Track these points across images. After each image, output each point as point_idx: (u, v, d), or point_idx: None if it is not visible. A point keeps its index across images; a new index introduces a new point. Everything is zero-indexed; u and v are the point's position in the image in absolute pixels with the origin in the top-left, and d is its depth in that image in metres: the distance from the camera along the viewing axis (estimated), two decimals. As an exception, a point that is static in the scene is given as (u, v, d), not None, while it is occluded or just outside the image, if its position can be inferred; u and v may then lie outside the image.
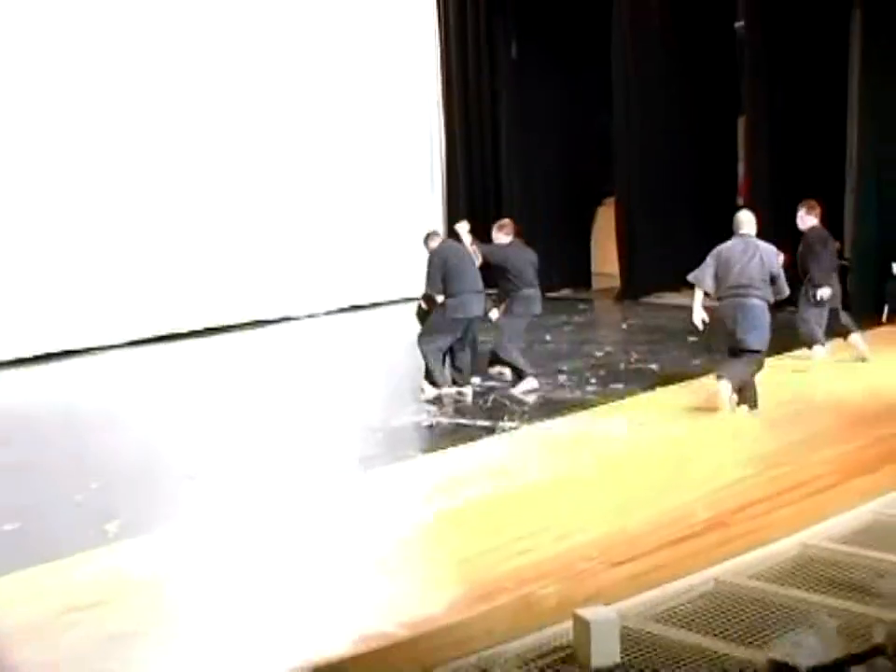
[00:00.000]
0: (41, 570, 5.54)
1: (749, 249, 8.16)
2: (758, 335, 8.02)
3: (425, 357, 9.15)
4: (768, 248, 8.26)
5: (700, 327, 8.28)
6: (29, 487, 7.21)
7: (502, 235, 9.71)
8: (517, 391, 9.27)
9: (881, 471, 6.68)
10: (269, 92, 13.30)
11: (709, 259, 8.22)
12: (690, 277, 8.37)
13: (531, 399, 9.13)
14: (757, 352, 8.06)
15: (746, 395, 8.13)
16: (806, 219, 9.72)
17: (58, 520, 6.47)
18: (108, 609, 5.09)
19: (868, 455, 6.94)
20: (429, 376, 9.17)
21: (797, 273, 9.53)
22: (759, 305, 8.05)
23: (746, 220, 8.36)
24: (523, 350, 9.62)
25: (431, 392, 9.16)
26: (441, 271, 9.07)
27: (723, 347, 8.34)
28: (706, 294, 8.28)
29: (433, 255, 9.22)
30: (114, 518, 6.29)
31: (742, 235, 8.26)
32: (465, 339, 9.27)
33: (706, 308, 8.27)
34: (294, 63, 13.51)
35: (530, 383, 9.33)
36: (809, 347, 9.67)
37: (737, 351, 8.08)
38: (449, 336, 9.16)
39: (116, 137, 12.00)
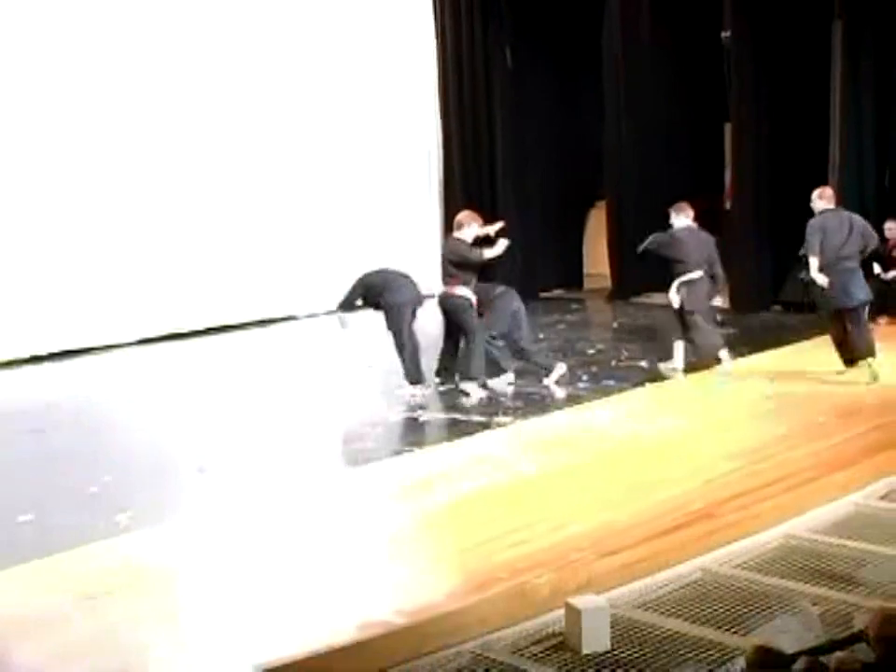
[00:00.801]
0: (54, 560, 5.65)
1: (844, 221, 9.12)
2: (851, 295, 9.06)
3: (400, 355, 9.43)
4: (858, 218, 9.27)
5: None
6: (42, 480, 7.32)
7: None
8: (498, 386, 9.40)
9: (861, 464, 6.83)
10: (275, 94, 13.36)
11: (815, 232, 9.05)
12: (802, 252, 9.14)
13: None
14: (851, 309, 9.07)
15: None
16: (676, 221, 9.80)
17: (71, 512, 6.56)
18: (120, 598, 5.22)
19: (849, 449, 7.09)
20: (409, 375, 9.39)
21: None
22: (857, 270, 9.12)
23: (832, 195, 9.45)
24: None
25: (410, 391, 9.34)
26: (360, 293, 9.55)
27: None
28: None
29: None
30: (125, 510, 6.41)
31: (834, 209, 9.25)
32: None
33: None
34: (296, 70, 13.57)
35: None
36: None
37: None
38: (403, 326, 9.38)
39: (124, 139, 12.08)
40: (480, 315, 9.38)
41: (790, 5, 12.18)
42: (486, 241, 9.60)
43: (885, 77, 11.61)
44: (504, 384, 9.58)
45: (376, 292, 9.51)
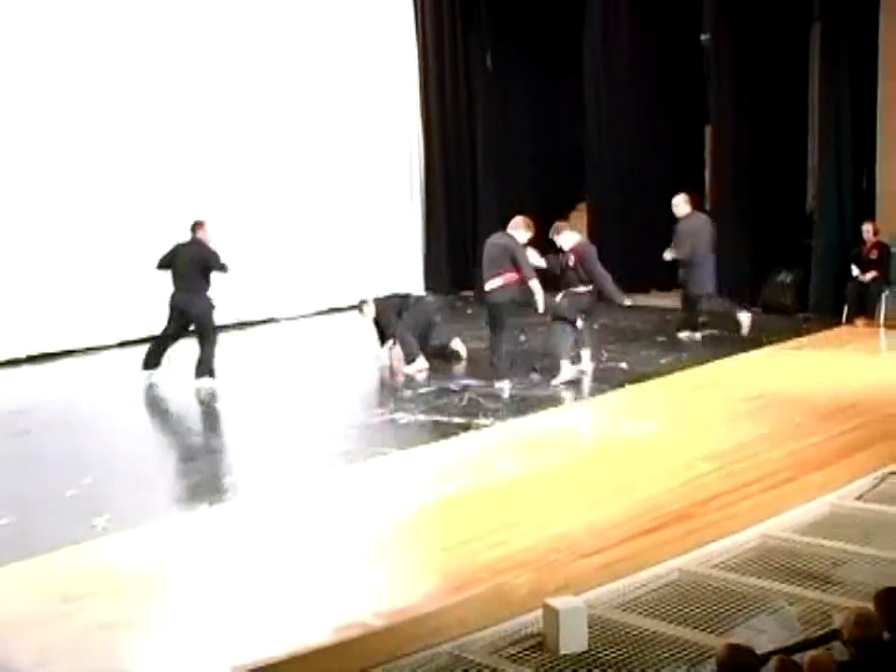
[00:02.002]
0: (33, 563, 5.65)
1: (706, 222, 11.20)
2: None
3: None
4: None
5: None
6: (22, 483, 7.31)
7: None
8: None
9: (839, 465, 6.88)
10: (255, 101, 13.33)
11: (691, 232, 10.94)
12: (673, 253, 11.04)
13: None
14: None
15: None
16: (566, 236, 9.92)
17: (49, 515, 6.57)
18: (99, 600, 5.21)
19: (826, 450, 7.14)
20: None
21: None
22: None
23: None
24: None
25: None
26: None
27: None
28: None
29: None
30: (104, 513, 6.41)
31: (695, 212, 11.22)
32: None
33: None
34: (279, 76, 13.55)
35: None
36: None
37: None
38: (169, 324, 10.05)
39: (107, 144, 12.04)
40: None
41: (769, 7, 12.26)
42: None
43: (862, 80, 11.67)
44: (415, 370, 10.19)
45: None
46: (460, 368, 10.45)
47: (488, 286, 9.51)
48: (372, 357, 10.90)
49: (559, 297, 9.87)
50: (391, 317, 10.69)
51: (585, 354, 9.96)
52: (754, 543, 5.98)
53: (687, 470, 6.78)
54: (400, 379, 10.15)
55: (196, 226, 10.17)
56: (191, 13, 12.87)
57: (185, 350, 11.85)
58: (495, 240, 9.68)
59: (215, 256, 10.05)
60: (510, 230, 9.64)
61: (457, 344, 10.95)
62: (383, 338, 10.91)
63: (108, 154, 12.12)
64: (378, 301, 10.94)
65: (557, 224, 10.15)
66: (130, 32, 12.23)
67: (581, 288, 9.84)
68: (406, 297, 11.11)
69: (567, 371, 9.55)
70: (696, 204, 11.39)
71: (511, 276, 9.42)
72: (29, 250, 11.57)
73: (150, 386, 9.99)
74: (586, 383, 9.63)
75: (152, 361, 10.11)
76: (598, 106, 13.98)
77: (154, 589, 5.38)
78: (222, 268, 10.02)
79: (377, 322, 10.91)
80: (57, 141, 11.76)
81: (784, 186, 12.57)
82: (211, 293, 10.07)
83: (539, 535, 5.81)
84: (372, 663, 4.70)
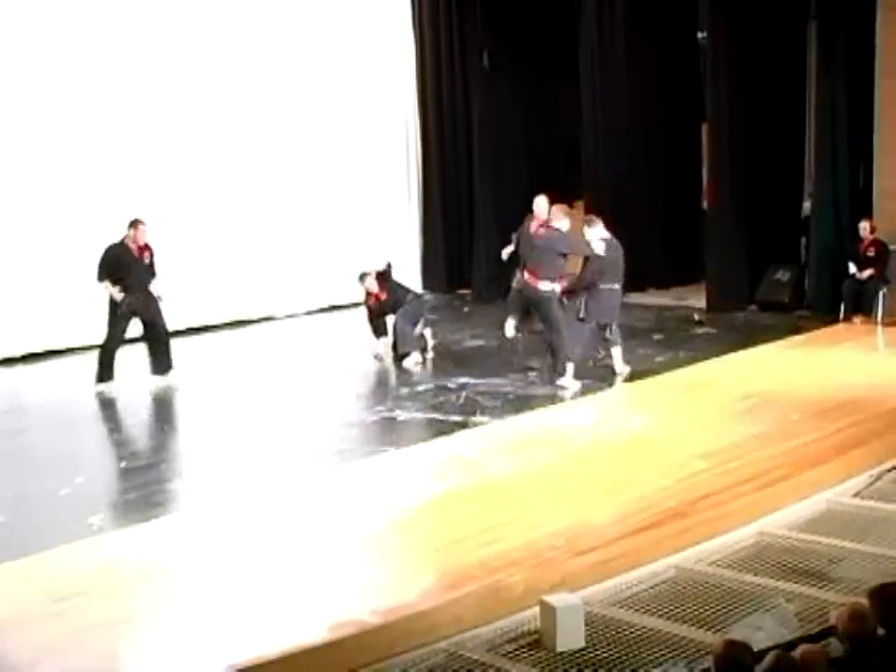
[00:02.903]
0: (26, 562, 5.65)
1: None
2: None
3: None
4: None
5: None
6: (16, 482, 7.32)
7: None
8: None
9: (834, 462, 6.89)
10: (251, 99, 13.34)
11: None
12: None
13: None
14: None
15: None
16: (594, 231, 9.81)
17: (43, 514, 6.57)
18: (93, 599, 5.21)
19: (822, 447, 7.14)
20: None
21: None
22: None
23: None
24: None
25: None
26: (108, 267, 9.89)
27: None
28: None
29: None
30: (98, 512, 6.43)
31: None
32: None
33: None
34: (277, 74, 13.56)
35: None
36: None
37: None
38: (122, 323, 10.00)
39: (100, 143, 12.03)
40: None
41: (765, 6, 12.27)
42: None
43: (859, 78, 11.68)
44: (412, 363, 10.47)
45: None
46: (454, 365, 10.44)
47: (539, 283, 9.35)
48: (371, 355, 10.90)
49: (584, 296, 9.64)
50: (397, 296, 10.82)
51: (617, 353, 9.75)
52: (751, 541, 5.98)
53: (682, 468, 6.77)
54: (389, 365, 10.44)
55: (130, 224, 10.06)
56: (187, 7, 12.85)
57: (182, 351, 11.96)
58: (546, 234, 9.47)
59: (99, 266, 9.95)
60: (553, 222, 9.48)
61: (427, 334, 11.02)
62: (377, 332, 10.93)
63: (101, 152, 12.11)
64: (381, 278, 10.94)
65: (590, 217, 10.10)
66: (123, 31, 12.21)
67: (606, 286, 9.63)
68: (407, 290, 11.11)
69: (570, 371, 9.38)
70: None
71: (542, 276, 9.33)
72: (24, 251, 11.56)
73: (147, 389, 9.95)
74: (584, 382, 9.60)
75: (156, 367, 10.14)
76: (594, 104, 13.96)
77: (150, 587, 5.38)
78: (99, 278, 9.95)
79: (370, 313, 10.96)
80: (49, 142, 11.74)
81: (781, 183, 12.58)
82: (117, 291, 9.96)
83: (535, 532, 5.81)
84: (369, 660, 4.70)
